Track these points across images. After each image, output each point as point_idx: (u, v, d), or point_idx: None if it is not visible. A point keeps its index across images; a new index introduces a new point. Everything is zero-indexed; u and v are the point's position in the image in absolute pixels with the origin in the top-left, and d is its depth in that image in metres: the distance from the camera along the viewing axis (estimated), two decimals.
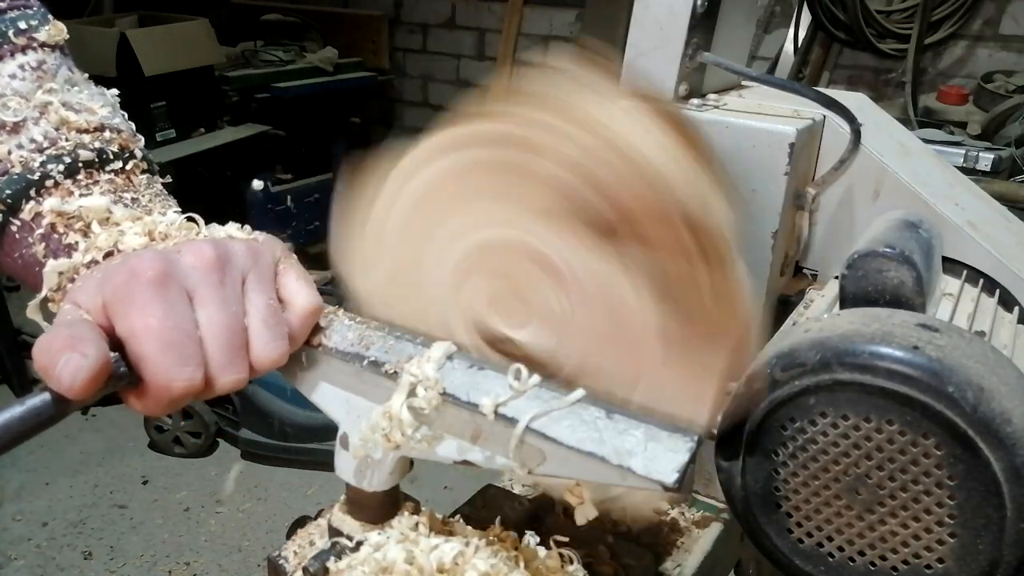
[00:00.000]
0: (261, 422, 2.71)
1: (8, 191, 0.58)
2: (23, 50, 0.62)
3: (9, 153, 0.59)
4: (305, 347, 0.57)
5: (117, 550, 2.42)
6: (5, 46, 0.61)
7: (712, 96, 0.87)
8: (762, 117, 0.81)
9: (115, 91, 0.67)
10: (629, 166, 0.54)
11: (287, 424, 2.68)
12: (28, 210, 0.58)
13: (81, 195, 0.59)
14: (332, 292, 0.63)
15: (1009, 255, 0.80)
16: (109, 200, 0.59)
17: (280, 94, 3.34)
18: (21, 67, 0.61)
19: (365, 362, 0.56)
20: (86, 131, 0.61)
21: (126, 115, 0.67)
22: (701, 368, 0.54)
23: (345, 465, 0.61)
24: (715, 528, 0.83)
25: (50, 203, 0.58)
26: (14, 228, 0.59)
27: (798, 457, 0.56)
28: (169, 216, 0.60)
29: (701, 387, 0.54)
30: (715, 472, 0.61)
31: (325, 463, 2.60)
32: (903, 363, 0.51)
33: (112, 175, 0.61)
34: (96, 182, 0.60)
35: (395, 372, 0.55)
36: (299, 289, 0.56)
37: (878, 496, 0.54)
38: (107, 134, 0.62)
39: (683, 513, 0.85)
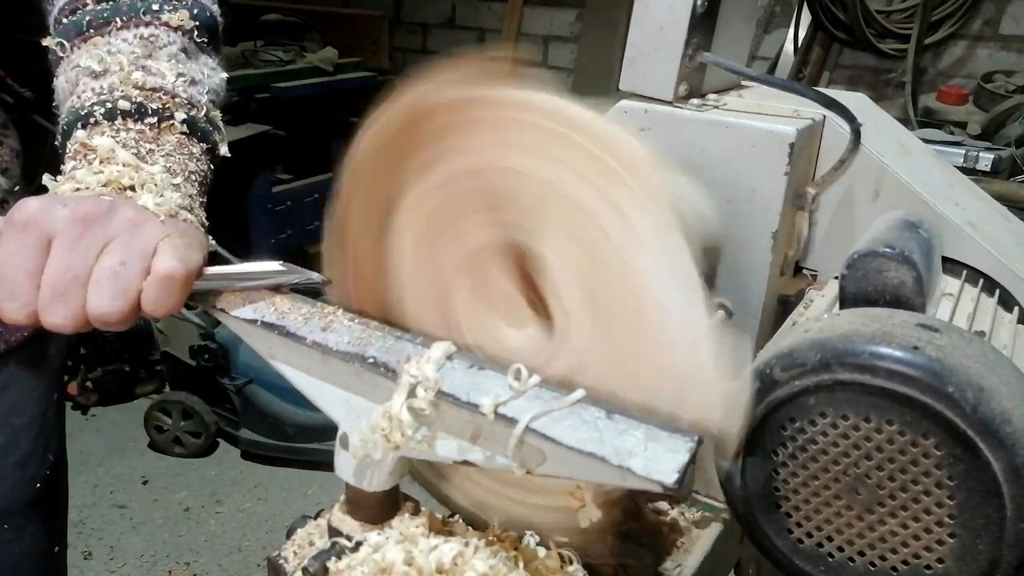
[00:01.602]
0: (261, 422, 2.71)
1: (67, 120, 0.72)
2: (145, 24, 0.76)
3: (82, 93, 0.73)
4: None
5: (117, 550, 2.41)
6: (133, 19, 0.76)
7: (712, 96, 0.87)
8: (762, 117, 0.81)
9: (224, 75, 0.85)
10: None
11: (287, 424, 2.68)
12: (74, 138, 0.71)
13: (108, 135, 0.69)
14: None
15: (1009, 255, 0.80)
16: (113, 143, 0.69)
17: (280, 94, 3.33)
18: (135, 35, 0.76)
19: (365, 362, 0.56)
20: (140, 88, 0.72)
21: (217, 95, 0.81)
22: None
23: (345, 465, 0.61)
24: (715, 528, 0.83)
25: (80, 135, 0.70)
26: (68, 150, 0.71)
27: (798, 457, 0.56)
28: (151, 169, 0.68)
29: None
30: (715, 472, 0.61)
31: (325, 463, 2.60)
32: (903, 363, 0.51)
33: (146, 128, 0.71)
34: (128, 129, 0.70)
35: (395, 372, 0.55)
36: (161, 258, 0.59)
37: (878, 496, 0.54)
38: (159, 95, 0.73)
39: (683, 513, 0.85)
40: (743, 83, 0.95)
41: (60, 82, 0.77)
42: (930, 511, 0.53)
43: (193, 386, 2.83)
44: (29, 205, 0.59)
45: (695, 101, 0.85)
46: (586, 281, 0.55)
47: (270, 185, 3.39)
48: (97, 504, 2.59)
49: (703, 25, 0.82)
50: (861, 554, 0.56)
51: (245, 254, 3.21)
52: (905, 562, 0.55)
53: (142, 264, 0.58)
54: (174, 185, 0.68)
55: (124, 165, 0.67)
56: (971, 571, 0.53)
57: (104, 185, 0.66)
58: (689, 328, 0.52)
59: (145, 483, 2.71)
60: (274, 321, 0.60)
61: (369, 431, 0.55)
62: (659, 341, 0.53)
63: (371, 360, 0.56)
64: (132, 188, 0.66)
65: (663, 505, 0.84)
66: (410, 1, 4.61)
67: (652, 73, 0.82)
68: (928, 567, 0.54)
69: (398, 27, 4.64)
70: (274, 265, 0.64)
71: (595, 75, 3.89)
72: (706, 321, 0.52)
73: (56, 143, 0.74)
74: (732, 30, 0.88)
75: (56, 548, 1.10)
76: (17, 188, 0.95)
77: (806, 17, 3.40)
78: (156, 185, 0.67)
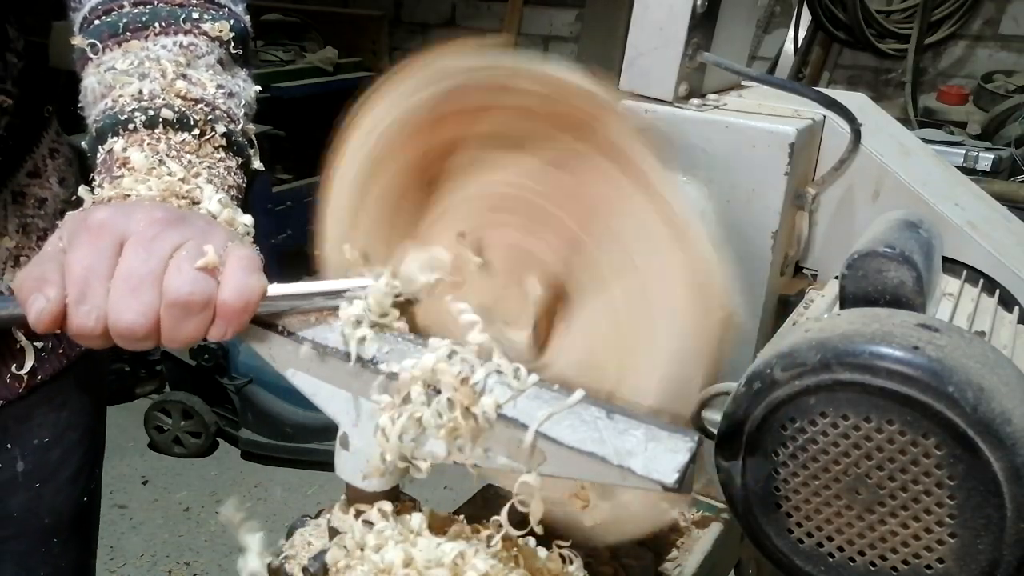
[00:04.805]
0: (261, 422, 2.71)
1: (100, 123, 0.70)
2: (185, 33, 0.76)
3: (119, 98, 0.71)
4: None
5: (117, 550, 2.41)
6: (172, 26, 0.76)
7: (712, 96, 0.87)
8: (762, 117, 0.81)
9: (258, 88, 0.82)
10: None
11: (287, 424, 2.68)
12: (109, 143, 0.69)
13: (148, 144, 0.68)
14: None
15: (1009, 255, 0.80)
16: (145, 157, 0.67)
17: (280, 94, 3.33)
18: (175, 43, 0.75)
19: (365, 362, 0.56)
20: (183, 98, 0.71)
21: (251, 108, 0.79)
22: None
23: (345, 465, 0.61)
24: (715, 528, 0.83)
25: (119, 143, 0.68)
26: (100, 154, 0.70)
27: (798, 457, 0.56)
28: (198, 182, 0.68)
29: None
30: (715, 472, 0.61)
31: (325, 463, 2.60)
32: (903, 363, 0.51)
33: (189, 138, 0.70)
34: (169, 139, 0.69)
35: (395, 372, 0.55)
36: (232, 275, 0.56)
37: (878, 496, 0.54)
38: (200, 106, 0.72)
39: (683, 513, 0.85)
40: (743, 83, 0.95)
41: (91, 83, 0.75)
42: (930, 511, 0.53)
43: (193, 386, 2.83)
44: (103, 209, 0.57)
45: (695, 101, 0.85)
46: (596, 356, 0.56)
47: (270, 185, 3.39)
48: None
49: (703, 25, 0.82)
50: (861, 554, 0.56)
51: None
52: (905, 562, 0.55)
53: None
54: (219, 200, 0.66)
55: (170, 175, 0.66)
56: (971, 571, 0.52)
57: (163, 191, 0.65)
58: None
59: (145, 483, 2.71)
60: (273, 321, 0.60)
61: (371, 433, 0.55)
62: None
63: (371, 360, 0.56)
64: (183, 198, 0.65)
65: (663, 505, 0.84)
66: (410, 1, 4.61)
67: (652, 73, 0.82)
68: (928, 567, 0.54)
69: (398, 27, 4.64)
70: (351, 281, 0.59)
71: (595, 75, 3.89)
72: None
73: (84, 145, 0.73)
74: (732, 30, 0.88)
75: (91, 561, 1.10)
76: (74, 197, 0.94)
77: (806, 17, 3.40)
78: (204, 197, 0.66)
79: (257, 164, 0.78)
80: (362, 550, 0.58)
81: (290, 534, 0.67)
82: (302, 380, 0.60)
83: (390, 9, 4.61)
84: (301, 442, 2.69)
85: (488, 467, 0.53)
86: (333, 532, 0.62)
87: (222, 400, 2.78)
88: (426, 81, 0.59)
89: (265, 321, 0.59)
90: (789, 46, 3.47)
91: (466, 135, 0.61)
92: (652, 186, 0.56)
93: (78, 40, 0.77)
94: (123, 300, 0.54)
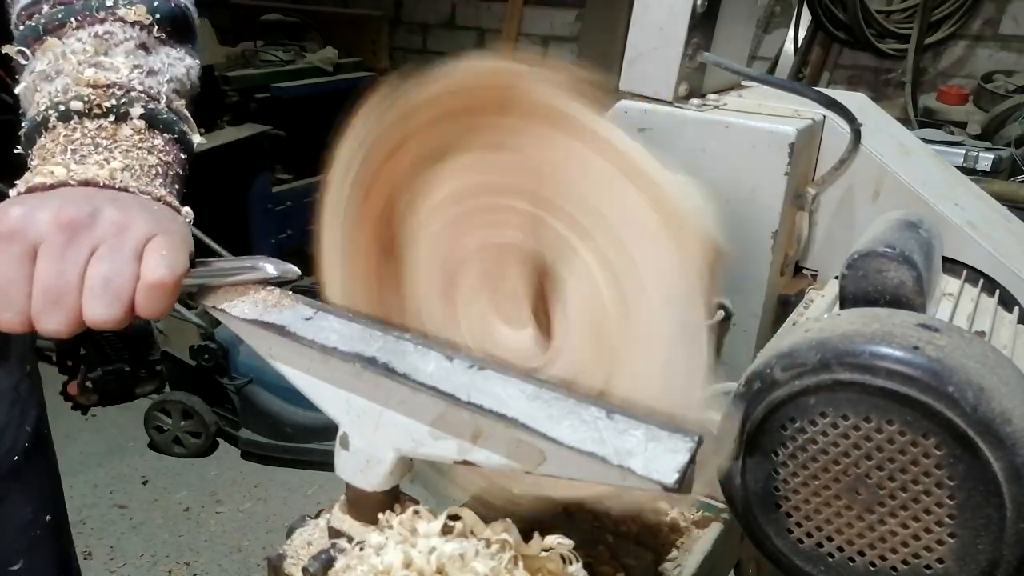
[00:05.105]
0: (261, 422, 2.71)
1: (27, 128, 0.71)
2: (100, 22, 0.74)
3: (41, 100, 0.71)
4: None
5: (117, 550, 2.41)
6: (88, 18, 0.74)
7: (712, 96, 0.87)
8: (762, 117, 0.81)
9: (191, 62, 0.80)
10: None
11: (287, 424, 2.68)
12: (36, 147, 0.70)
13: (63, 136, 0.69)
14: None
15: (1009, 255, 0.80)
16: (61, 149, 0.68)
17: (280, 94, 3.33)
18: (90, 34, 0.74)
19: (365, 362, 0.56)
20: (93, 86, 0.71)
21: (182, 84, 0.78)
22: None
23: (345, 465, 0.61)
24: (715, 528, 0.83)
25: (40, 141, 0.70)
26: (32, 158, 0.70)
27: (798, 457, 0.56)
28: (112, 166, 0.69)
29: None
30: (715, 472, 0.61)
31: (325, 463, 2.60)
32: (903, 363, 0.51)
33: (104, 123, 0.70)
34: (85, 128, 0.69)
35: (395, 371, 0.55)
36: (149, 265, 0.60)
37: (878, 496, 0.54)
38: (113, 90, 0.71)
39: (683, 513, 0.85)
40: (743, 83, 0.95)
41: (21, 89, 0.76)
42: (930, 511, 0.53)
43: (193, 386, 2.83)
44: (10, 214, 0.59)
45: (695, 101, 0.85)
46: (597, 317, 0.56)
47: (270, 185, 3.39)
48: (97, 504, 2.59)
49: (703, 25, 0.82)
50: (861, 554, 0.56)
51: (245, 254, 3.21)
52: (905, 562, 0.55)
53: (133, 269, 0.60)
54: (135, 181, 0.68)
55: (84, 161, 0.67)
56: (971, 571, 0.53)
57: (79, 181, 0.66)
58: (683, 383, 0.53)
59: (145, 483, 2.71)
60: (274, 321, 0.60)
61: None
62: (652, 389, 0.54)
63: (371, 360, 0.56)
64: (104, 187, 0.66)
65: (663, 505, 0.84)
66: (410, 1, 4.61)
67: (652, 73, 0.82)
68: (928, 567, 0.54)
69: (398, 27, 4.64)
70: (252, 259, 0.65)
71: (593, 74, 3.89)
72: (701, 383, 0.53)
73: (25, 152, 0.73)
74: (732, 30, 0.88)
75: (48, 517, 1.12)
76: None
77: (806, 17, 3.40)
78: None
79: (197, 139, 0.78)
80: (362, 550, 0.59)
81: (290, 534, 0.67)
82: (302, 380, 0.60)
83: (390, 9, 4.61)
84: (301, 442, 2.69)
85: (489, 468, 0.53)
86: (333, 532, 0.63)
87: (222, 400, 2.78)
88: (346, 163, 0.62)
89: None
90: (789, 46, 3.47)
91: (398, 181, 0.61)
92: (590, 132, 0.55)
93: (9, 49, 0.77)
94: (45, 312, 0.59)
